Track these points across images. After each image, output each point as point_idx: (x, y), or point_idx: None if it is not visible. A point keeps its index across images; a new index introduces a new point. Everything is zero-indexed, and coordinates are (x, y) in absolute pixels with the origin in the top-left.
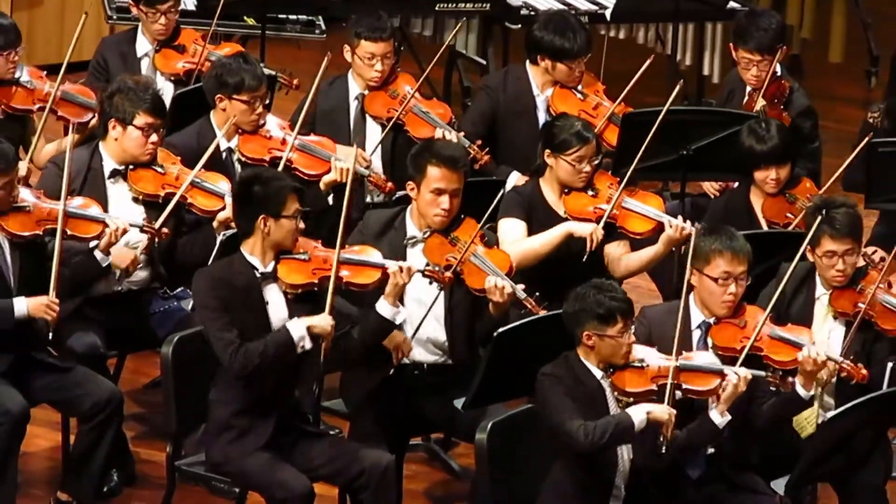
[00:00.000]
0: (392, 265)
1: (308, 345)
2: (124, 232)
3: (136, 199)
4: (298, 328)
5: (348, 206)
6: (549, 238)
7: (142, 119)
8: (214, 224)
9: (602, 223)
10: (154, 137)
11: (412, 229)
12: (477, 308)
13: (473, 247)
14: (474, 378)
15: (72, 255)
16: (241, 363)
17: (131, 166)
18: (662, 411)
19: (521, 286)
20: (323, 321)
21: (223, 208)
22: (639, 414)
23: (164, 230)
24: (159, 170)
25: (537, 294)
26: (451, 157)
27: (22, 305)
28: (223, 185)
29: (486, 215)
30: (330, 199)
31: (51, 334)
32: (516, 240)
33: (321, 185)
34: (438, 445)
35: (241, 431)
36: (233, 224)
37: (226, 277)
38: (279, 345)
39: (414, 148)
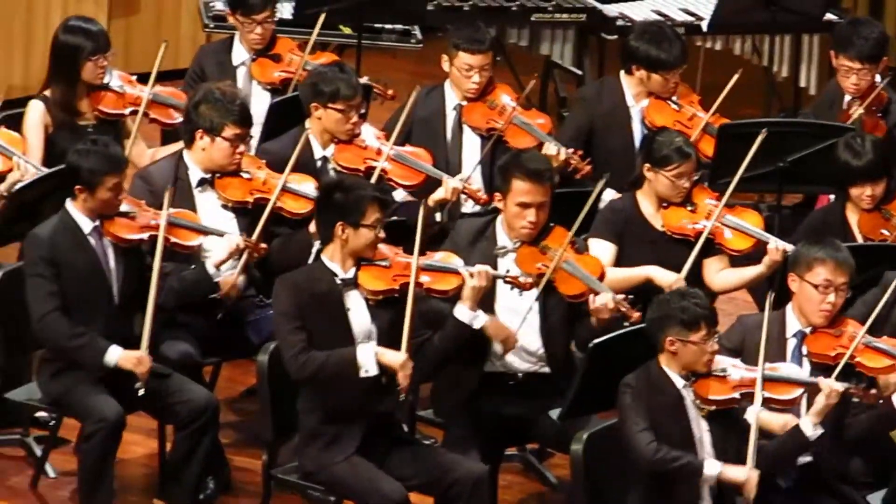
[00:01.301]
0: (463, 270)
1: (373, 371)
2: (238, 250)
3: (224, 207)
4: (366, 354)
5: (425, 216)
6: (628, 276)
7: (230, 131)
8: (311, 229)
9: (699, 245)
10: (241, 147)
11: (503, 239)
12: (572, 315)
13: (565, 254)
14: (570, 389)
15: (182, 269)
16: (297, 368)
17: (218, 174)
18: (740, 474)
19: (620, 296)
20: (394, 358)
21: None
22: (712, 468)
23: (262, 246)
24: (246, 176)
25: (631, 297)
26: (537, 171)
27: (114, 356)
28: (309, 186)
29: (577, 223)
30: (438, 216)
31: (142, 390)
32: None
33: (430, 202)
34: (534, 456)
35: (330, 439)
36: None
37: (306, 284)
38: (341, 362)
39: (501, 160)
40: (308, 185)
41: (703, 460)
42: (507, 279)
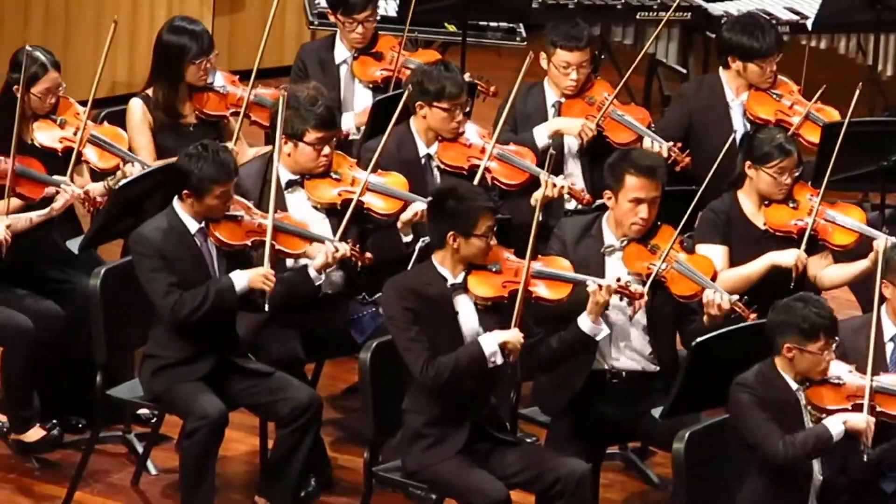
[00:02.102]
0: (591, 283)
1: (499, 360)
2: (343, 256)
3: (315, 207)
4: (490, 343)
5: (538, 219)
6: (752, 270)
7: (312, 135)
8: (398, 225)
9: (805, 240)
10: (326, 150)
11: (609, 237)
12: (680, 314)
13: (674, 254)
14: (673, 387)
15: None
16: (433, 377)
17: (307, 175)
18: (860, 420)
19: (734, 296)
20: (514, 336)
21: (402, 209)
22: (836, 425)
23: (368, 255)
24: (335, 176)
25: (745, 298)
26: (650, 167)
27: (242, 280)
28: (398, 187)
29: (683, 222)
30: (540, 216)
31: (267, 305)
32: (720, 269)
33: (532, 201)
34: (635, 454)
35: (435, 440)
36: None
37: (416, 288)
38: (471, 359)
39: (611, 157)
40: (392, 182)
41: (826, 426)
42: (619, 289)
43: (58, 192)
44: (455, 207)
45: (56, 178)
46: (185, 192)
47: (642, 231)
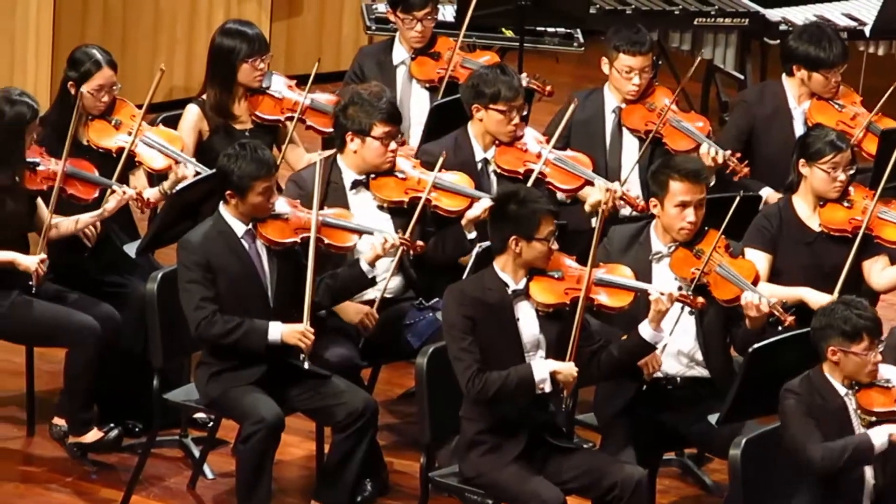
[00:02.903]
0: (653, 292)
1: (548, 388)
2: (393, 247)
3: (380, 208)
4: (542, 369)
5: (602, 226)
6: (783, 294)
7: (379, 129)
8: (463, 222)
9: (858, 240)
10: (393, 145)
11: (657, 244)
12: (729, 318)
13: (718, 258)
14: (729, 393)
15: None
16: (477, 390)
17: (372, 175)
18: None
19: (773, 299)
20: (567, 370)
21: (469, 207)
22: (880, 436)
23: (420, 243)
24: (400, 176)
25: (784, 302)
26: (693, 171)
27: (276, 332)
28: (464, 185)
29: (724, 225)
30: (593, 221)
31: (306, 363)
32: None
33: (586, 207)
34: (692, 460)
35: (491, 446)
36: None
37: (476, 294)
38: (520, 381)
39: (653, 165)
40: (463, 183)
41: (868, 435)
42: (680, 298)
43: (111, 193)
44: (516, 211)
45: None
46: (228, 192)
47: (691, 234)
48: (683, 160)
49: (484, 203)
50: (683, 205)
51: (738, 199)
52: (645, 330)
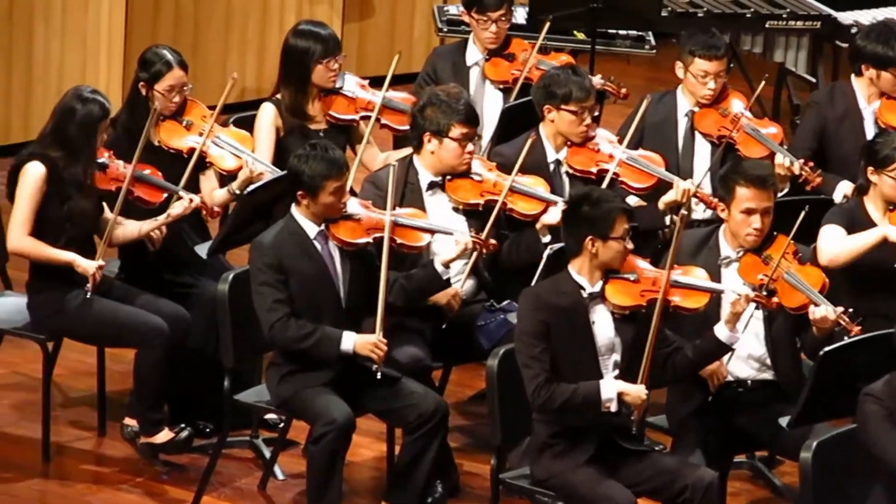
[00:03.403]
0: (729, 292)
1: (614, 407)
2: (467, 247)
3: (455, 209)
4: (610, 389)
5: (681, 228)
6: (861, 243)
7: (457, 130)
8: (538, 226)
9: None
10: (470, 147)
11: (725, 249)
12: (798, 322)
13: (786, 265)
14: (800, 397)
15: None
16: (543, 401)
17: (448, 177)
18: None
19: (839, 309)
20: (636, 393)
21: (544, 211)
22: None
23: (492, 241)
24: (476, 178)
25: (850, 311)
26: (760, 177)
27: (349, 342)
28: (540, 188)
29: (794, 230)
30: (667, 220)
31: (378, 374)
32: (833, 239)
33: (660, 205)
34: (763, 463)
35: (563, 449)
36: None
37: (550, 298)
38: (585, 398)
39: (722, 169)
40: (539, 187)
41: None
42: (755, 298)
43: (178, 199)
44: (590, 212)
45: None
46: (300, 193)
47: (757, 241)
48: (751, 165)
49: (561, 209)
50: (749, 211)
51: (806, 208)
52: (721, 331)
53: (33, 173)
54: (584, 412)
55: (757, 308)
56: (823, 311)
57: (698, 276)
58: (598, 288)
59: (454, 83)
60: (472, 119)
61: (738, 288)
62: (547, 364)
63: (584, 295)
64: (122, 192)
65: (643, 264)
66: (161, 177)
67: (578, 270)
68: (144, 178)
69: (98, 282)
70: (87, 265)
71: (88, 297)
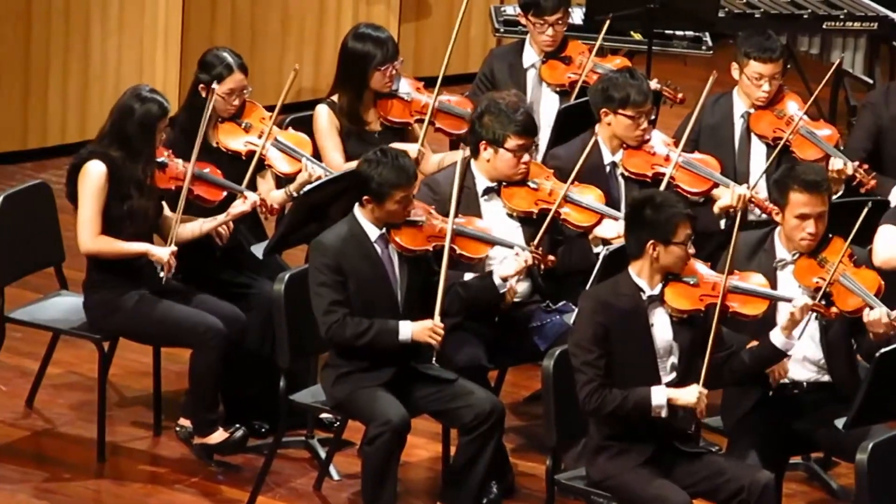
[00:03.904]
0: (789, 301)
1: (664, 414)
2: (526, 263)
3: (510, 215)
4: (660, 397)
5: (738, 232)
6: None
7: (513, 141)
8: (591, 237)
9: None
10: (526, 157)
11: (781, 252)
12: (855, 326)
13: (842, 268)
14: (856, 398)
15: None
16: (594, 407)
17: (504, 183)
18: None
19: (894, 312)
20: (687, 396)
21: (598, 223)
22: None
23: (551, 258)
24: (532, 186)
25: None
26: (814, 182)
27: (406, 330)
28: (590, 198)
29: (852, 234)
30: (722, 223)
31: (434, 358)
32: (889, 240)
33: (715, 209)
34: (818, 464)
35: (619, 451)
36: (610, 240)
37: (610, 300)
38: (636, 406)
39: (776, 173)
40: (590, 196)
41: None
42: (814, 307)
43: (237, 198)
44: (653, 216)
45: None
46: (366, 197)
47: (812, 246)
48: (805, 170)
49: (619, 228)
50: (803, 217)
51: (868, 206)
52: (777, 337)
53: (95, 172)
54: (635, 418)
55: (817, 318)
56: (878, 313)
57: (757, 282)
58: (657, 291)
59: (514, 90)
60: (529, 130)
61: (797, 297)
62: (601, 370)
63: (644, 298)
64: (183, 191)
65: (703, 268)
66: (221, 175)
67: (638, 273)
68: (204, 177)
69: (172, 268)
70: (160, 253)
71: (164, 283)
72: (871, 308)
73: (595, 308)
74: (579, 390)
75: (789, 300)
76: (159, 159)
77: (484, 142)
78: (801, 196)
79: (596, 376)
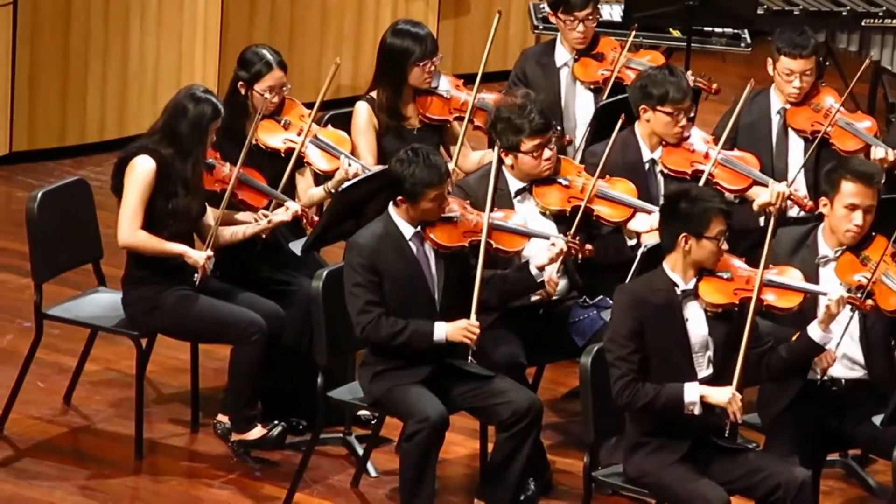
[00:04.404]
0: (824, 294)
1: (698, 410)
2: (562, 252)
3: (543, 214)
4: (693, 394)
5: (774, 228)
6: None
7: (528, 144)
8: (624, 231)
9: None
10: (546, 153)
11: (824, 248)
12: (895, 324)
13: (885, 267)
14: (894, 395)
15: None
16: (626, 402)
17: (535, 182)
18: None
19: None
20: (720, 396)
21: (631, 217)
22: None
23: (588, 247)
24: (564, 182)
25: None
26: (866, 173)
27: (441, 331)
28: (627, 194)
29: (895, 235)
30: (761, 220)
31: (470, 357)
32: None
33: (754, 207)
34: (856, 462)
35: (656, 447)
36: (641, 235)
37: (645, 295)
38: (668, 401)
39: (829, 165)
40: (621, 190)
41: None
42: (850, 300)
43: (280, 206)
44: (688, 209)
45: (278, 193)
46: (399, 197)
47: (857, 239)
48: (859, 162)
49: (651, 221)
50: (853, 207)
51: None
52: (814, 331)
53: (144, 167)
54: (667, 414)
55: (852, 310)
56: None
57: (793, 276)
58: (691, 285)
59: (539, 86)
60: (540, 129)
61: (832, 290)
62: (635, 365)
63: (678, 292)
64: (226, 194)
65: (738, 263)
66: (265, 182)
67: (672, 267)
68: (249, 182)
69: (208, 272)
70: (197, 256)
71: (197, 287)
72: None
73: (630, 303)
74: (613, 385)
75: (824, 293)
76: (208, 161)
77: (502, 150)
78: (852, 186)
79: (629, 371)
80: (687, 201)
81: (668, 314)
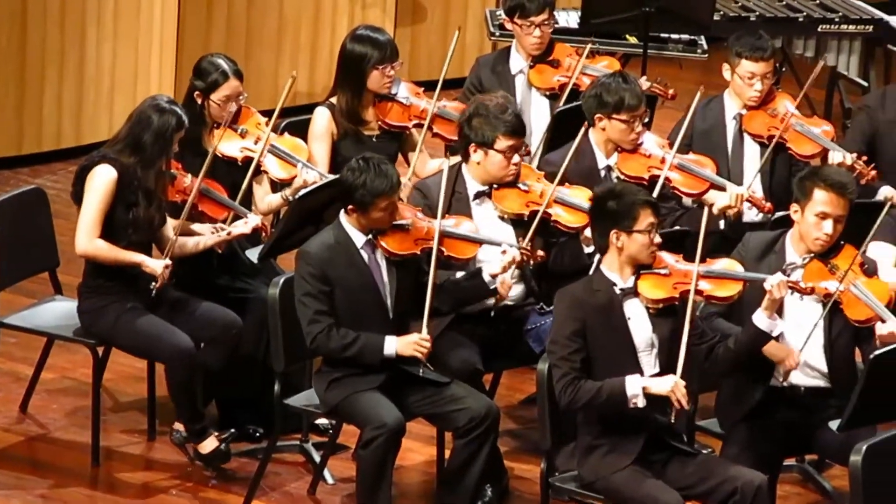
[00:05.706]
0: (765, 280)
1: (641, 403)
2: (515, 260)
3: (501, 219)
4: (634, 386)
5: (708, 220)
6: None
7: (503, 142)
8: (582, 237)
9: None
10: (516, 158)
11: (791, 255)
12: (859, 335)
13: (853, 276)
14: (850, 399)
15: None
16: (568, 400)
17: (495, 186)
18: None
19: None
20: (662, 385)
21: (588, 224)
22: None
23: (540, 253)
24: (523, 188)
25: None
26: (839, 182)
27: (391, 345)
28: (586, 201)
29: (866, 242)
30: (721, 224)
31: (422, 370)
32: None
33: (714, 210)
34: (812, 466)
35: (609, 449)
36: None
37: (584, 297)
38: (610, 395)
39: (803, 171)
40: (581, 197)
41: None
42: (790, 284)
43: (239, 217)
44: (614, 206)
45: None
46: (350, 206)
47: (825, 248)
48: (834, 171)
49: None
50: (824, 216)
51: (888, 206)
52: (760, 319)
53: (104, 177)
54: (611, 409)
55: (792, 294)
56: (891, 326)
57: (731, 266)
58: (630, 283)
59: (503, 92)
60: (518, 131)
61: (772, 275)
62: (577, 363)
63: (617, 291)
64: (187, 206)
65: (672, 259)
66: (226, 194)
67: (609, 267)
68: (211, 195)
69: (166, 281)
70: (154, 265)
71: (153, 295)
72: (884, 321)
73: (571, 305)
74: (555, 386)
75: (763, 280)
76: (171, 171)
77: (473, 144)
78: (825, 195)
79: (571, 370)
80: (613, 199)
81: (609, 314)
